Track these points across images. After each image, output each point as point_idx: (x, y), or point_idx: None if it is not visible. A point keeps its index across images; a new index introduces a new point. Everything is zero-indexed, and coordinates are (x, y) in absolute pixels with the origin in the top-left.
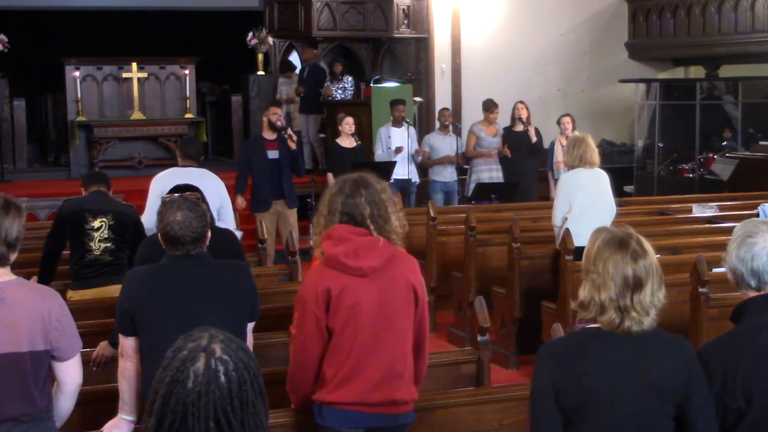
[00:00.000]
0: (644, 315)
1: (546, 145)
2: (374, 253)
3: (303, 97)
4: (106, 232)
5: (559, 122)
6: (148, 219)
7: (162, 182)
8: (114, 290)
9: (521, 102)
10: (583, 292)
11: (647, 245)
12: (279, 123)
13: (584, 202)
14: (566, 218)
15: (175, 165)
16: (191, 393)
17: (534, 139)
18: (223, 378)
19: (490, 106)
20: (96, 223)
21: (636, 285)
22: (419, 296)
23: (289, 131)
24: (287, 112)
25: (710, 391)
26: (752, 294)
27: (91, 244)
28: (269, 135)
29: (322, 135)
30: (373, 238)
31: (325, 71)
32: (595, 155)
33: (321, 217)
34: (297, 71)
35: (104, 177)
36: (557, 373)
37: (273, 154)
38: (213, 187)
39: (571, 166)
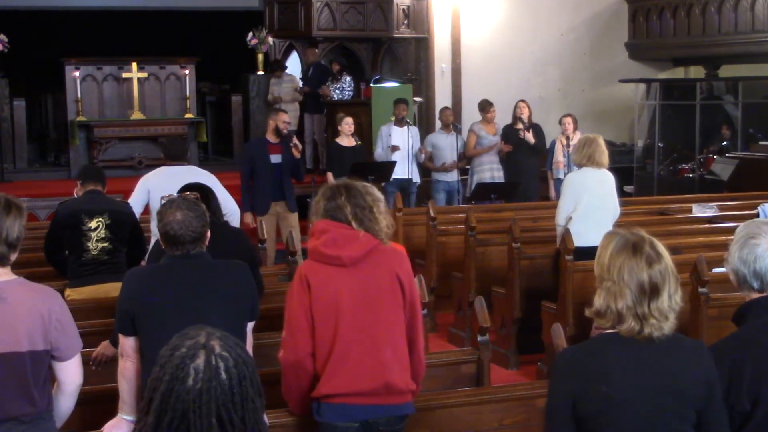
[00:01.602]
0: (664, 320)
1: (547, 144)
2: (354, 243)
3: (306, 97)
4: (103, 231)
5: (560, 122)
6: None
7: (148, 181)
8: (111, 288)
9: (523, 101)
10: (599, 301)
11: (661, 248)
12: (285, 131)
13: (589, 203)
14: (570, 218)
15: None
16: (192, 390)
17: (532, 141)
18: (224, 375)
19: (485, 106)
20: (92, 224)
21: (653, 291)
22: (405, 286)
23: (295, 140)
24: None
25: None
26: (755, 295)
27: (89, 244)
28: (273, 138)
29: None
30: (354, 231)
31: (329, 69)
32: (604, 157)
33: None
34: (288, 70)
35: (100, 175)
36: (577, 380)
37: (276, 158)
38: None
39: (579, 165)
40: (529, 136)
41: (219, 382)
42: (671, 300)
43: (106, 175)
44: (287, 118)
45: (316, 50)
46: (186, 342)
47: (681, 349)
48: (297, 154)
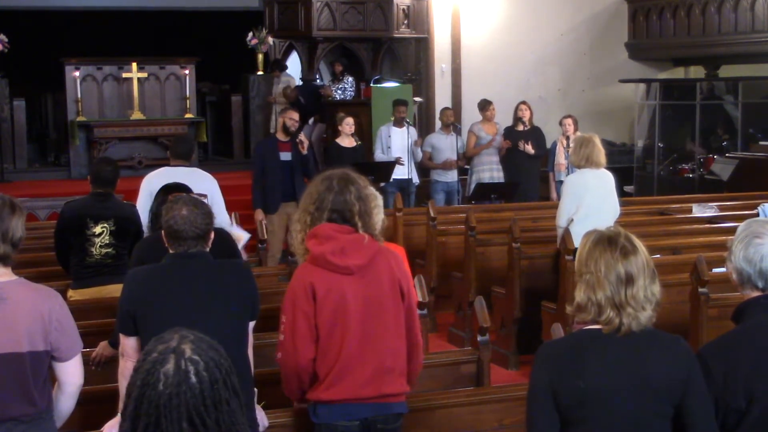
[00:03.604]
0: (640, 310)
1: (547, 145)
2: (360, 251)
3: (306, 96)
4: (107, 237)
5: (561, 123)
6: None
7: (151, 183)
8: (113, 290)
9: (524, 102)
10: (579, 294)
11: (637, 241)
12: (293, 128)
13: (590, 204)
14: (571, 219)
15: (167, 165)
16: (162, 395)
17: (531, 152)
18: (193, 378)
19: (484, 105)
20: (97, 229)
21: (628, 280)
22: (404, 290)
23: (301, 137)
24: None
25: (708, 391)
26: (755, 294)
27: (92, 249)
28: (283, 137)
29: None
30: (359, 235)
31: (317, 88)
32: (602, 156)
33: (307, 215)
34: (287, 71)
35: (111, 181)
36: (555, 372)
37: (285, 156)
38: (204, 187)
39: (577, 166)
40: (528, 148)
41: (189, 386)
42: (647, 290)
43: (119, 173)
44: (295, 116)
45: (296, 90)
46: (159, 346)
47: (657, 344)
48: (303, 150)
